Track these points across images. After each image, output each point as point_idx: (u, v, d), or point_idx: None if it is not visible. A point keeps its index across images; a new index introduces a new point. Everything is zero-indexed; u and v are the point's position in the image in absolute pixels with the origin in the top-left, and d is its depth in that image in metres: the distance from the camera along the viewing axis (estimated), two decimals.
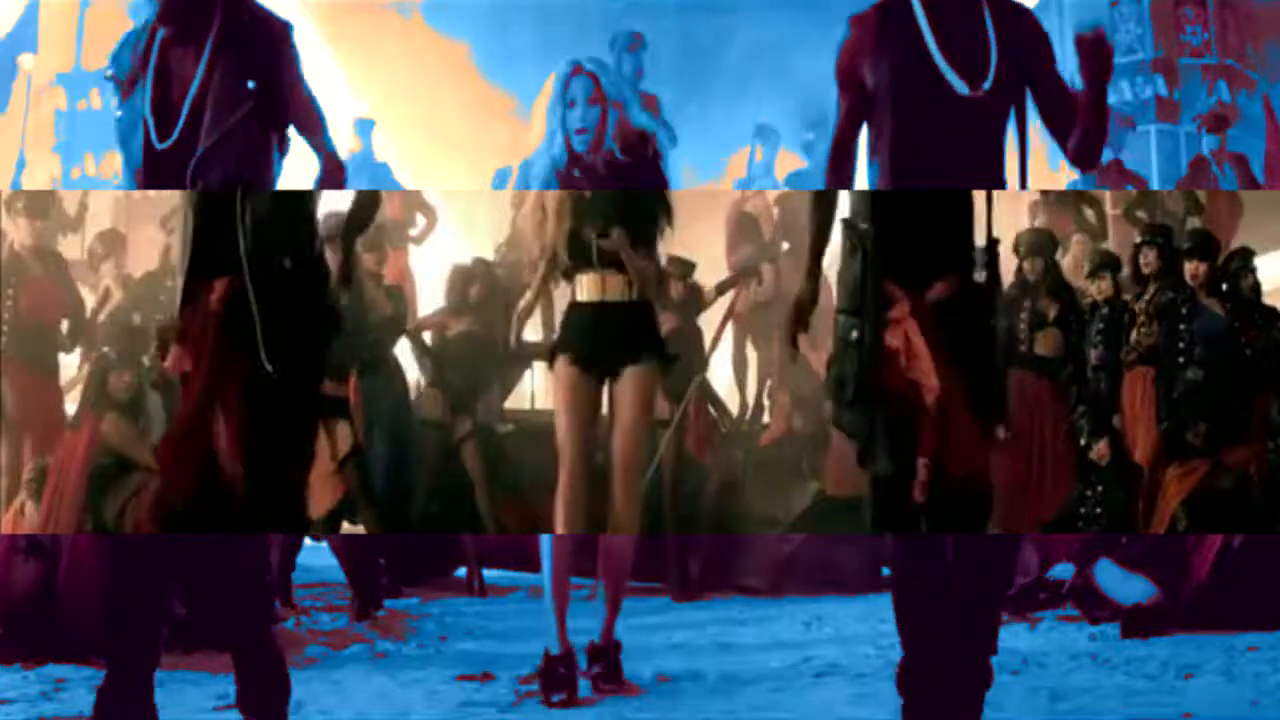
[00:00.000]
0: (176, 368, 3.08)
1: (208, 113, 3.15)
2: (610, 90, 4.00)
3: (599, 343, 3.85)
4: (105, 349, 5.99)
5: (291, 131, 3.40)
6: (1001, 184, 3.28)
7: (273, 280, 3.00)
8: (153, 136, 3.17)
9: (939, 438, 2.99)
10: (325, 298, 3.10)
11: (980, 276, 3.14)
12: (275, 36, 3.36)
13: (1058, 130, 3.34)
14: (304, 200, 3.13)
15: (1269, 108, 8.55)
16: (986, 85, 3.10)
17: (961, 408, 3.00)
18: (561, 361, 3.87)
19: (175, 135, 3.19)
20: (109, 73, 3.39)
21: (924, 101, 3.12)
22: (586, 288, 3.90)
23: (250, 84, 3.18)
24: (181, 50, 3.24)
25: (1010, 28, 3.22)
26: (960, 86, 3.11)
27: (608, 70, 4.07)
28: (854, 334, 3.04)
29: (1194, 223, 6.87)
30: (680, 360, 3.96)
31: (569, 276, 3.94)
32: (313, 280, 3.08)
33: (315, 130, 3.45)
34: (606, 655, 4.13)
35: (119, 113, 3.35)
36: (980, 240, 3.20)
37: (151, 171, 3.24)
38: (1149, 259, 6.14)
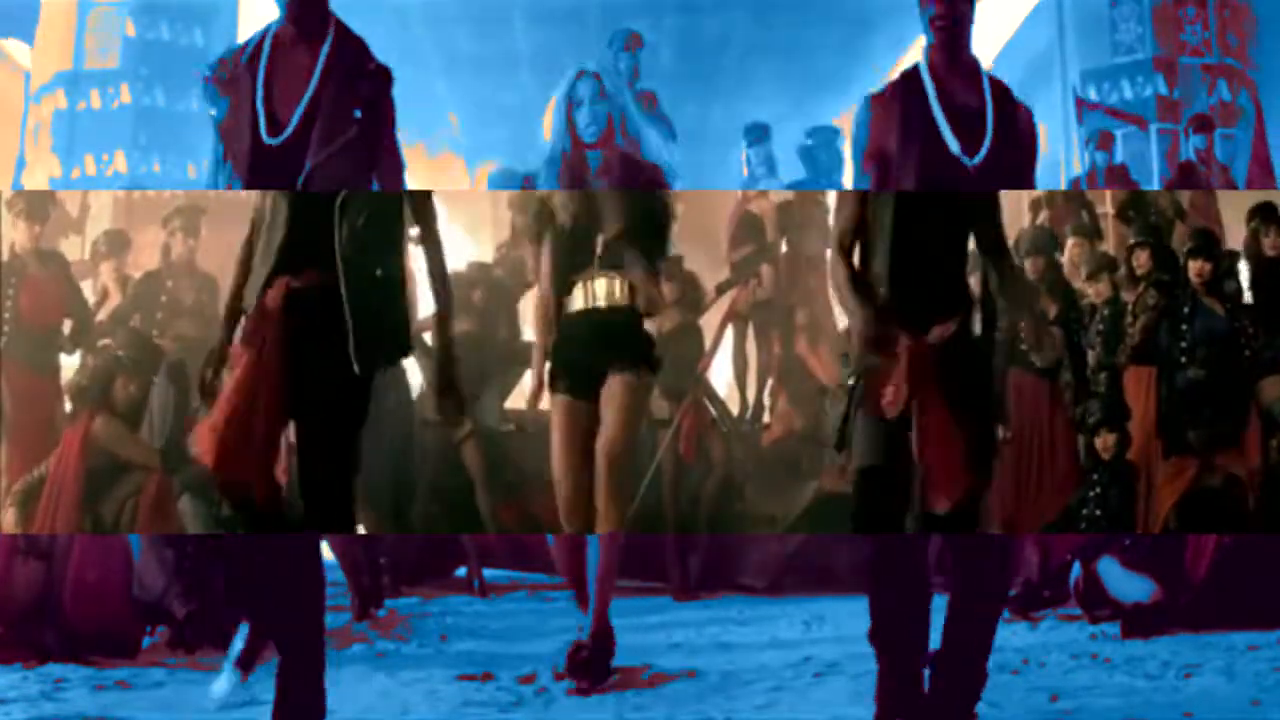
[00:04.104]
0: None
1: (318, 125, 3.21)
2: (613, 92, 4.04)
3: (591, 361, 3.83)
4: (120, 353, 5.97)
5: None
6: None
7: (365, 284, 3.07)
8: (262, 132, 3.20)
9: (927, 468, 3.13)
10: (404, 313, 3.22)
11: (977, 327, 3.28)
12: (380, 79, 3.46)
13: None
14: (398, 211, 3.21)
15: (1258, 106, 8.56)
16: (980, 157, 3.38)
17: (954, 448, 3.10)
18: (557, 390, 3.87)
19: (287, 134, 3.24)
20: (208, 73, 3.44)
21: (927, 165, 3.37)
22: (581, 295, 3.88)
23: (357, 113, 3.25)
24: (295, 60, 3.31)
25: (1009, 110, 3.51)
26: (964, 157, 3.38)
27: (611, 74, 4.11)
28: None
29: (1194, 223, 6.89)
30: (666, 365, 3.94)
31: (567, 282, 3.93)
32: (397, 289, 3.20)
33: (394, 186, 3.55)
34: (595, 643, 4.17)
35: (213, 111, 3.41)
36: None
37: (256, 167, 3.27)
38: (1141, 260, 6.18)
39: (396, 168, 3.55)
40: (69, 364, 6.39)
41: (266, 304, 3.05)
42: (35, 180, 9.31)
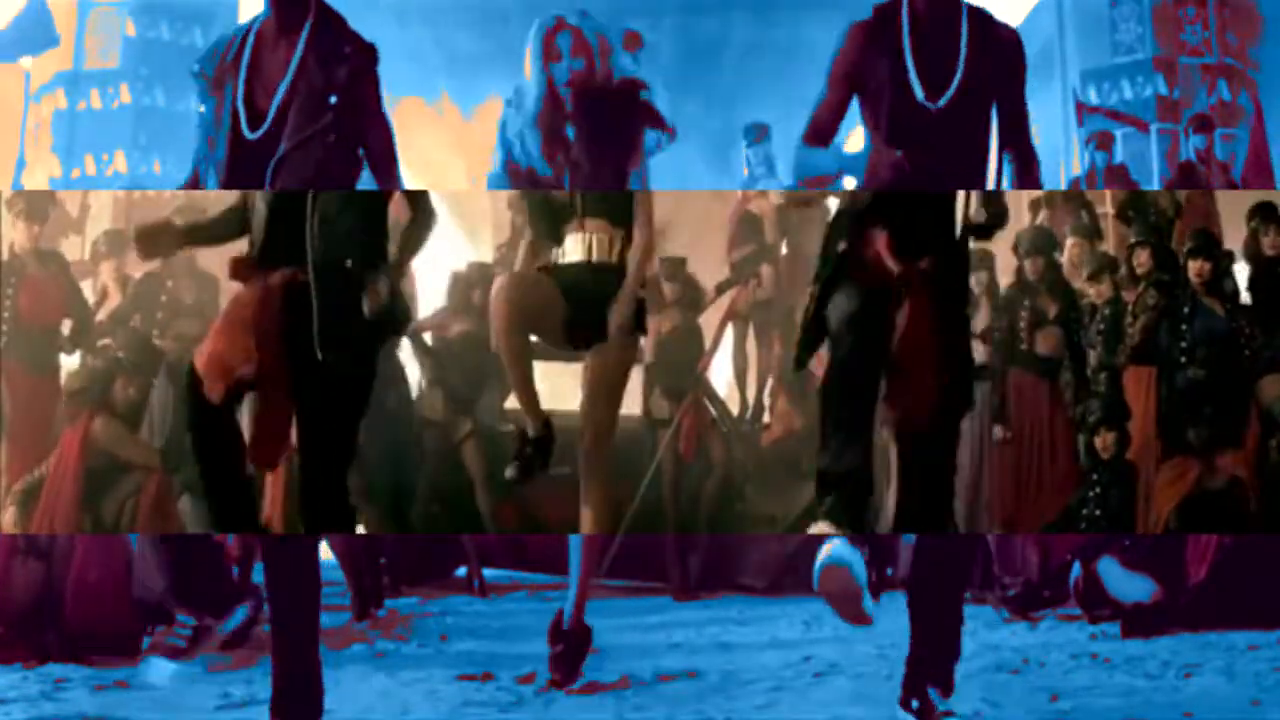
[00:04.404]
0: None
1: (291, 115, 3.21)
2: (593, 40, 4.02)
3: (581, 316, 3.73)
4: (119, 354, 5.97)
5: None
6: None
7: (337, 279, 3.05)
8: (244, 128, 3.22)
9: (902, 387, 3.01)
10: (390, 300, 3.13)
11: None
12: (360, 58, 3.41)
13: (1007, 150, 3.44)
14: (373, 203, 3.17)
15: (1258, 106, 8.57)
16: (944, 101, 3.23)
17: (929, 369, 3.00)
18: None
19: (264, 129, 3.23)
20: (197, 69, 3.44)
21: (895, 111, 3.25)
22: (575, 247, 3.79)
23: (332, 98, 3.23)
24: (273, 53, 3.30)
25: (989, 44, 3.33)
26: (925, 99, 3.24)
27: (590, 20, 4.08)
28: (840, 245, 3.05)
29: (1194, 223, 6.89)
30: (667, 365, 3.90)
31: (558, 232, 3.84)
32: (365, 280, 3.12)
33: (384, 163, 3.51)
34: (571, 639, 4.16)
35: (201, 108, 3.42)
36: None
37: (234, 166, 3.27)
38: (1141, 259, 6.18)
39: (385, 149, 3.48)
40: (69, 364, 6.39)
41: (270, 283, 3.07)
42: (35, 180, 9.31)
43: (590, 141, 4.02)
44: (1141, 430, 5.88)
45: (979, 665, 4.40)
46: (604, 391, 3.75)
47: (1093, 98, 10.01)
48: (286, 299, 3.07)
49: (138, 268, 6.75)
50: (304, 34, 3.30)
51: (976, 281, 6.41)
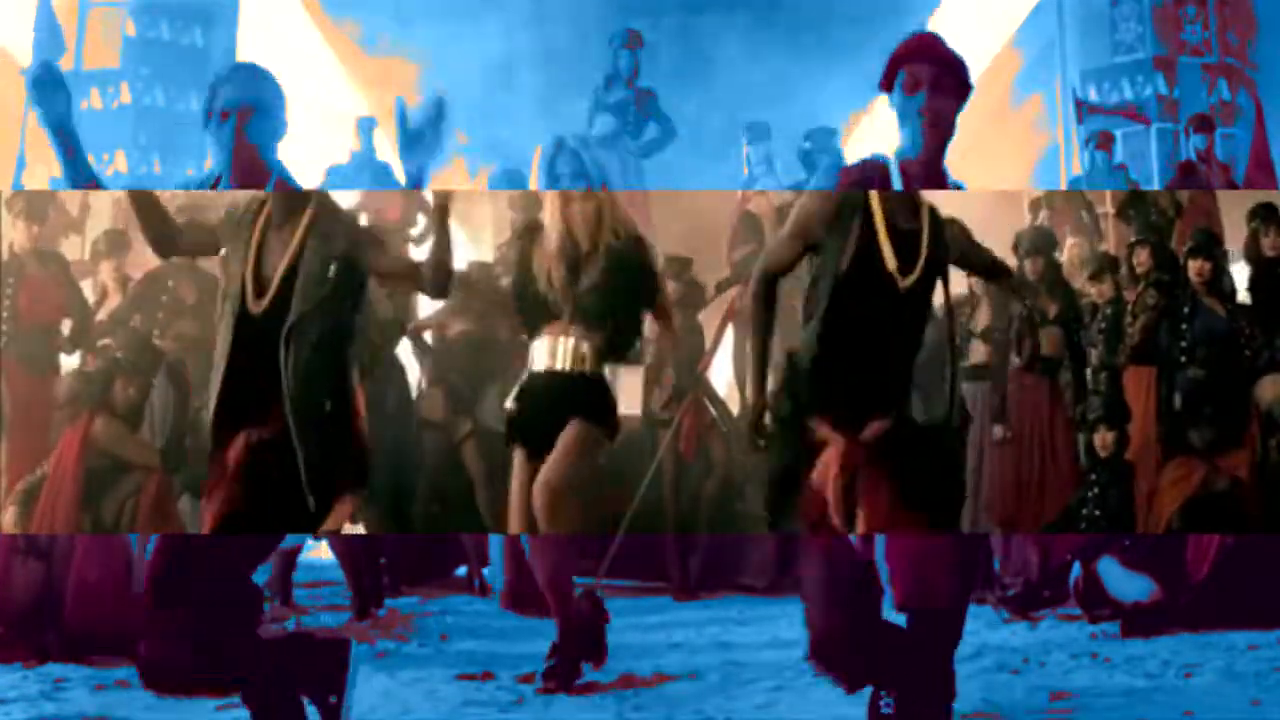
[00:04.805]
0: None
1: (298, 287, 3.32)
2: (593, 171, 4.09)
3: (551, 423, 3.81)
4: (119, 355, 5.97)
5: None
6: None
7: (312, 421, 3.24)
8: (248, 301, 3.34)
9: None
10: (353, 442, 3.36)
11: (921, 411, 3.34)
12: (364, 237, 3.48)
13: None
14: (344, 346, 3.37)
15: (1258, 106, 8.56)
16: (913, 278, 3.29)
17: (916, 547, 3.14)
18: (515, 441, 3.88)
19: (266, 302, 3.35)
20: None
21: (868, 284, 3.28)
22: (547, 352, 3.87)
23: (332, 268, 3.34)
24: (278, 232, 3.41)
25: (941, 231, 3.40)
26: (899, 278, 3.29)
27: (589, 146, 4.16)
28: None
29: (1194, 222, 6.89)
30: (621, 430, 3.97)
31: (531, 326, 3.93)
32: (348, 419, 3.34)
33: (405, 283, 3.77)
34: (563, 653, 4.20)
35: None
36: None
37: (241, 331, 3.36)
38: (1141, 258, 6.18)
39: (402, 278, 3.62)
40: (69, 364, 6.39)
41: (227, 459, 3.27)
42: (35, 180, 9.30)
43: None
44: (1141, 430, 5.88)
45: (979, 665, 4.40)
46: (571, 458, 3.77)
47: (1093, 97, 10.01)
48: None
49: (138, 268, 6.75)
50: (306, 217, 3.40)
51: (977, 281, 6.41)
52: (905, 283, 3.27)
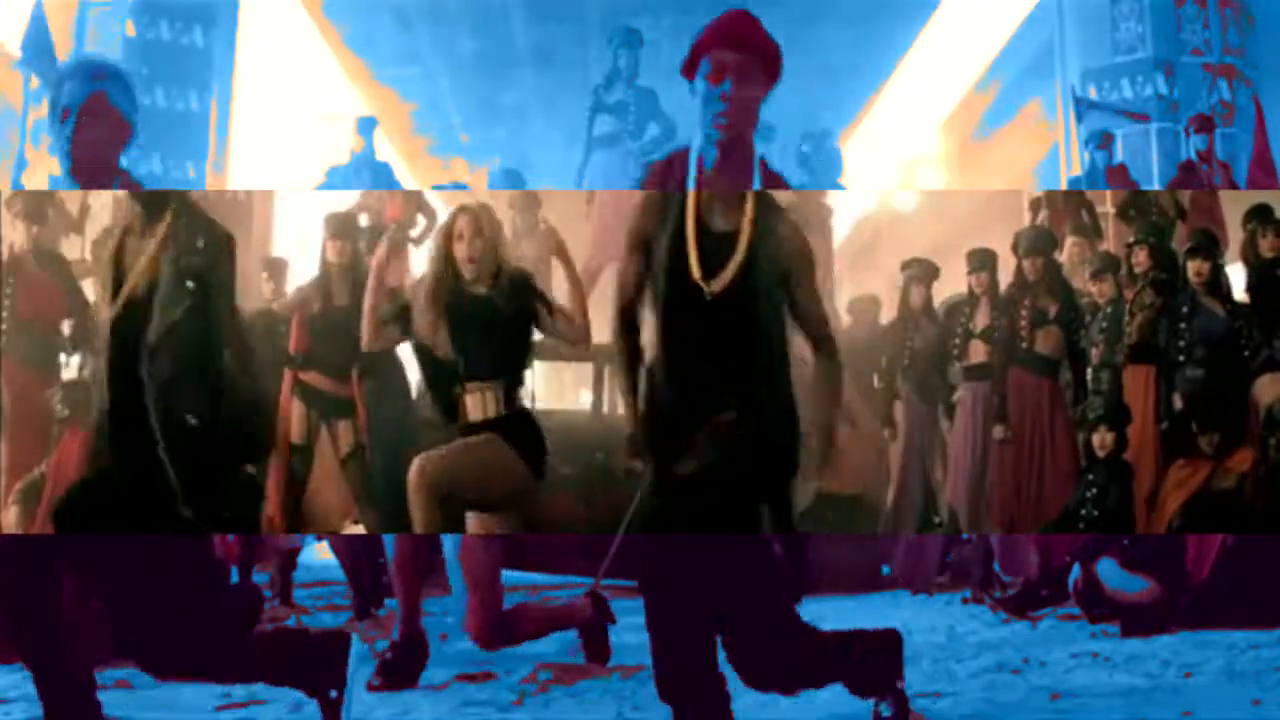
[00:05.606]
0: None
1: (155, 309, 3.22)
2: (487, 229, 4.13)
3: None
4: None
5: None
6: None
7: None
8: (108, 311, 3.31)
9: None
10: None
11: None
12: (220, 246, 3.33)
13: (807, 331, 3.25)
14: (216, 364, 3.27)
15: (1258, 106, 8.56)
16: (720, 287, 2.99)
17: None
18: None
19: (118, 311, 3.31)
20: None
21: (676, 293, 3.03)
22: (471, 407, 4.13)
23: (190, 284, 3.22)
24: (136, 243, 3.31)
25: (770, 231, 3.05)
26: (703, 285, 3.00)
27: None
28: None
29: (1194, 222, 6.89)
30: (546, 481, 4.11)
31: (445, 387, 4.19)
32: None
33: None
34: (402, 651, 4.29)
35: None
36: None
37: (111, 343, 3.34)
38: (1140, 258, 6.18)
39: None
40: (68, 365, 6.38)
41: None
42: (35, 180, 9.30)
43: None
44: (1140, 430, 5.87)
45: (979, 665, 4.40)
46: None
47: (1093, 96, 10.01)
48: None
49: None
50: (163, 227, 3.27)
51: (977, 281, 6.41)
52: (712, 288, 2.98)
